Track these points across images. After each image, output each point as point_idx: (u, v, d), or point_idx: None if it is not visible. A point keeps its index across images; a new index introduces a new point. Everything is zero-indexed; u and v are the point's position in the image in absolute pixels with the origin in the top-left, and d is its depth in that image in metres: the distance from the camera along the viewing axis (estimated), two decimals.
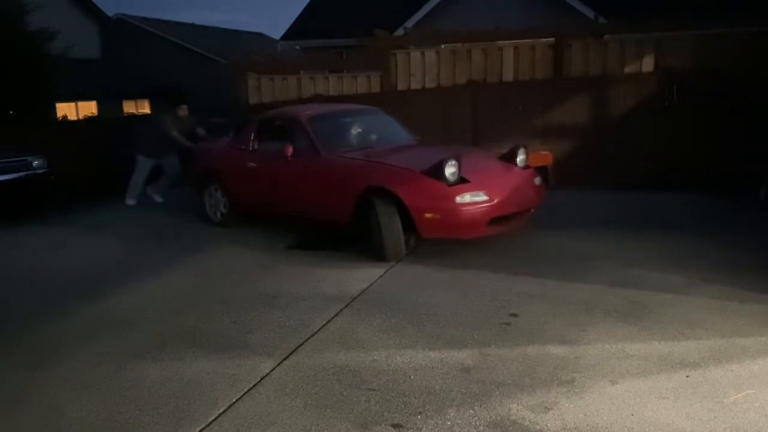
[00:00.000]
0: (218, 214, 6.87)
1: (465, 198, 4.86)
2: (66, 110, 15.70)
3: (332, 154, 5.71)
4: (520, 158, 5.56)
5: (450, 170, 4.92)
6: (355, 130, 6.26)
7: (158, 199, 8.51)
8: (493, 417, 2.75)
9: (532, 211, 5.41)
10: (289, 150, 5.79)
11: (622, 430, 2.60)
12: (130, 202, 8.42)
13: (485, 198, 4.90)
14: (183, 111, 7.80)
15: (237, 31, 27.75)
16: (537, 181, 5.55)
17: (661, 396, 2.86)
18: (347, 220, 5.44)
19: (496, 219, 4.97)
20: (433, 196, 4.93)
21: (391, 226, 5.04)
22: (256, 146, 6.48)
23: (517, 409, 2.80)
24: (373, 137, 6.24)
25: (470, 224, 4.93)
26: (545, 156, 7.51)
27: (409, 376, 3.16)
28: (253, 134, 6.53)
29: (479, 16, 11.69)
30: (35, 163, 8.36)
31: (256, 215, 6.59)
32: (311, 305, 4.26)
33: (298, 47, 15.50)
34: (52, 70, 12.26)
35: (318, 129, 5.96)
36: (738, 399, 2.80)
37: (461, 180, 4.96)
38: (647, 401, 2.82)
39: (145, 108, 19.82)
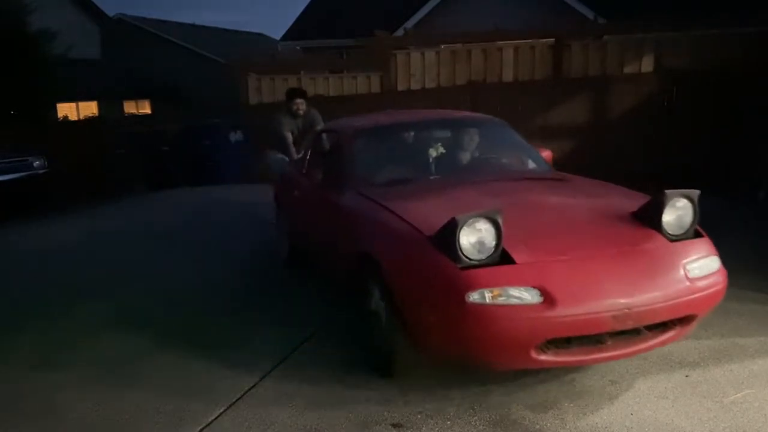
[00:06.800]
0: (284, 248, 5.16)
1: (488, 295, 2.56)
2: (67, 110, 15.76)
3: (357, 188, 3.68)
4: (668, 218, 2.99)
5: (470, 238, 2.66)
6: (432, 152, 4.07)
7: None
8: (493, 416, 2.75)
9: (678, 331, 2.84)
10: (318, 176, 4.22)
11: (622, 430, 2.61)
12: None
13: (537, 300, 2.56)
14: (297, 105, 6.32)
15: (237, 31, 27.84)
16: (701, 266, 2.85)
17: (660, 395, 2.86)
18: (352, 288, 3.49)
19: (564, 341, 2.67)
20: (430, 284, 2.72)
21: (379, 320, 3.08)
22: (305, 169, 4.77)
23: (517, 409, 2.80)
24: (457, 164, 4.13)
25: (500, 345, 2.64)
26: (545, 156, 7.50)
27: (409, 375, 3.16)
28: (309, 153, 4.86)
29: (479, 17, 11.74)
30: (35, 163, 8.39)
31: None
32: (311, 305, 4.26)
33: (298, 47, 15.54)
34: (52, 71, 12.31)
35: (359, 149, 4.03)
36: (737, 398, 2.80)
37: (502, 257, 2.68)
38: (647, 401, 2.82)
39: (145, 108, 19.86)
